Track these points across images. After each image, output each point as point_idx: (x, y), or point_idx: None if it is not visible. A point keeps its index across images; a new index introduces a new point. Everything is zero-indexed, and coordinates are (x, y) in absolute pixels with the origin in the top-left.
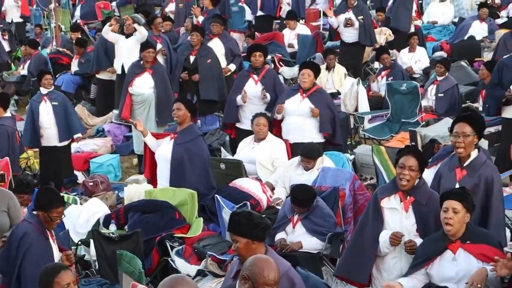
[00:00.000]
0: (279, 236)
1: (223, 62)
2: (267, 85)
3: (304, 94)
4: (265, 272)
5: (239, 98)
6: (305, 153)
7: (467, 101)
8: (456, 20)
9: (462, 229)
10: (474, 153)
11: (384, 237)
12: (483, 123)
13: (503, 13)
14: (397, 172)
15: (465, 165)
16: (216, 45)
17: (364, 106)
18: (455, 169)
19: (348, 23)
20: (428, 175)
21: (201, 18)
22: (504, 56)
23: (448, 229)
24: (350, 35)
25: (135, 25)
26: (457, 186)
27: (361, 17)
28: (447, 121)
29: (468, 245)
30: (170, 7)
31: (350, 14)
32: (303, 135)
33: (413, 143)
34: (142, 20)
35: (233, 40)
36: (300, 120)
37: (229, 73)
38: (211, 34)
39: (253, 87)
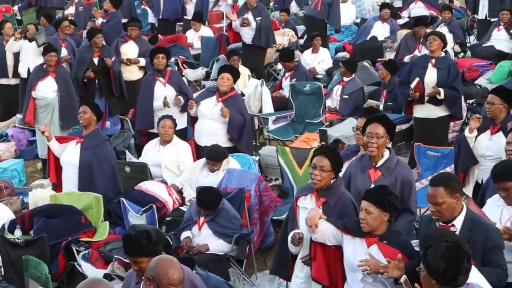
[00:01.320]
0: (185, 235)
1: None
2: (173, 86)
3: (219, 98)
4: (170, 272)
5: (158, 104)
6: (211, 155)
7: (369, 100)
8: (358, 20)
9: (380, 228)
10: (386, 154)
11: (290, 236)
12: (395, 125)
13: (404, 14)
14: (309, 172)
15: (378, 165)
16: (132, 48)
17: (268, 107)
18: (367, 170)
19: (244, 23)
20: None
21: (100, 20)
22: (406, 57)
23: (362, 227)
24: (249, 37)
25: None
26: (372, 186)
27: (259, 18)
28: (351, 121)
29: (383, 245)
30: (70, 10)
31: (249, 15)
32: (214, 139)
33: (323, 143)
34: (41, 41)
35: (146, 42)
36: (213, 124)
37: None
38: (126, 37)
39: (162, 90)
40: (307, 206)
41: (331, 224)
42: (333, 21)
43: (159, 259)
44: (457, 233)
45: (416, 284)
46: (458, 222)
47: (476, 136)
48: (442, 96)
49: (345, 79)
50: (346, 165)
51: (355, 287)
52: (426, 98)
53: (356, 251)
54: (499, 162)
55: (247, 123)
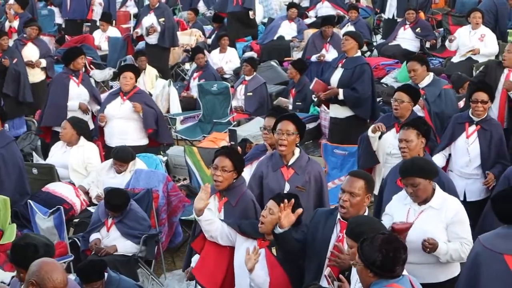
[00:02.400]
0: (94, 236)
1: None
2: (86, 87)
3: (125, 97)
4: (54, 275)
5: (72, 104)
6: (118, 155)
7: (279, 98)
8: (265, 20)
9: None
10: (296, 152)
11: None
12: (304, 123)
13: (311, 13)
14: (212, 173)
15: (290, 163)
16: (31, 50)
17: (175, 107)
18: (280, 168)
19: (150, 32)
20: (245, 174)
21: (16, 23)
22: (313, 57)
23: (259, 227)
24: (153, 37)
25: None
26: (286, 185)
27: (163, 19)
28: (258, 120)
29: (270, 254)
30: None
31: (151, 16)
32: (125, 138)
33: (232, 143)
34: None
35: (45, 43)
36: (122, 123)
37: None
38: (24, 39)
39: (77, 89)
40: (211, 207)
41: (225, 224)
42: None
43: (42, 262)
44: None
45: (340, 276)
46: None
47: (382, 134)
48: (341, 97)
49: (247, 78)
50: (255, 164)
51: None
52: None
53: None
54: (410, 158)
55: (159, 114)
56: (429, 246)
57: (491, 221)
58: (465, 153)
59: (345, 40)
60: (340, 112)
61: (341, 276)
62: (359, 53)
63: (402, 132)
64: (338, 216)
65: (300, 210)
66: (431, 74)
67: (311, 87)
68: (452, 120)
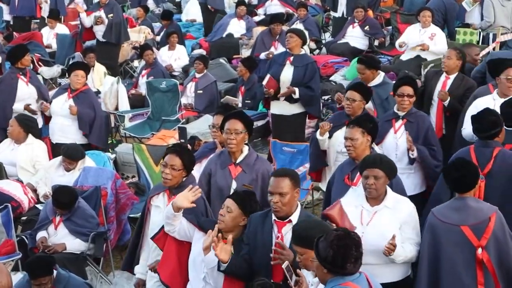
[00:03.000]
0: (40, 235)
1: None
2: (34, 85)
3: (70, 94)
4: None
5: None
6: (68, 154)
7: (226, 96)
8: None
9: (235, 231)
10: (245, 150)
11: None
12: (252, 121)
13: (260, 11)
14: (161, 171)
15: (238, 161)
16: None
17: (124, 104)
18: (228, 166)
19: (98, 21)
20: (195, 172)
21: None
22: (262, 54)
23: (219, 223)
24: (102, 34)
25: None
26: (234, 183)
27: (111, 15)
28: (207, 118)
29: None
30: None
31: (101, 13)
32: (66, 136)
33: (182, 140)
34: None
35: None
36: (63, 121)
37: None
38: None
39: (26, 89)
40: (160, 204)
41: (185, 220)
42: None
43: None
44: (292, 228)
45: (298, 271)
46: (294, 218)
47: (333, 133)
48: (297, 96)
49: (197, 75)
50: (204, 162)
51: (196, 286)
52: (282, 98)
53: (201, 251)
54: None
55: (97, 116)
56: (392, 249)
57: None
58: (393, 148)
59: (289, 38)
60: (287, 109)
61: (298, 270)
62: (303, 51)
63: (348, 131)
64: (273, 218)
65: (230, 238)
66: (382, 75)
67: (264, 83)
68: (380, 119)
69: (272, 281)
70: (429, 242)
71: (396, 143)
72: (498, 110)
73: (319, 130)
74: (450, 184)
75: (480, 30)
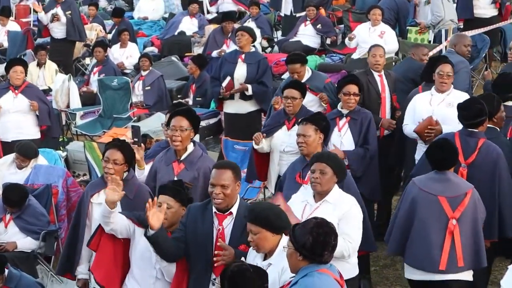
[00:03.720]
0: None
1: None
2: None
3: (16, 91)
4: None
5: None
6: (22, 151)
7: (178, 96)
8: (166, 15)
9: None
10: (190, 147)
11: None
12: (199, 118)
13: (212, 9)
14: (103, 166)
15: (182, 159)
16: None
17: (75, 102)
18: (172, 163)
19: (55, 18)
20: (147, 171)
21: None
22: (214, 52)
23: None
24: (58, 31)
25: None
26: (175, 180)
27: (69, 12)
28: (159, 116)
29: None
30: None
31: (58, 10)
32: (21, 132)
33: (135, 139)
34: None
35: None
36: (17, 117)
37: None
38: None
39: None
40: (102, 201)
41: (124, 216)
42: None
43: None
44: (233, 221)
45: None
46: (234, 210)
47: (273, 133)
48: (250, 92)
49: (143, 73)
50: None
51: (144, 283)
52: (237, 96)
53: (149, 246)
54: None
55: (50, 107)
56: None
57: None
58: (338, 145)
59: (240, 36)
60: (243, 107)
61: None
62: (253, 48)
63: (301, 127)
64: (214, 210)
65: (164, 206)
66: (308, 68)
67: (224, 85)
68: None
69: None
70: (408, 208)
71: (340, 141)
72: (436, 104)
73: (253, 142)
74: (433, 163)
75: (431, 26)
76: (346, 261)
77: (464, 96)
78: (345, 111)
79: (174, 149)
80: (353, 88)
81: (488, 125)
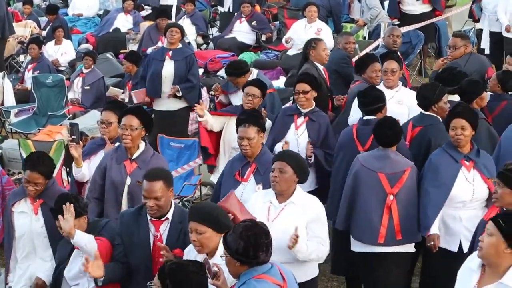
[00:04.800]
0: None
1: None
2: None
3: None
4: None
5: None
6: None
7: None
8: (101, 12)
9: None
10: (142, 146)
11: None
12: (150, 116)
13: (148, 6)
14: (24, 178)
15: (134, 157)
16: None
17: (10, 100)
18: (123, 161)
19: None
20: (84, 169)
21: None
22: (149, 49)
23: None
24: None
25: None
26: (128, 178)
27: None
28: (94, 113)
29: None
30: None
31: None
32: None
33: (74, 137)
34: None
35: None
36: None
37: None
38: None
39: None
40: (25, 210)
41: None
42: None
43: None
44: (169, 226)
45: (216, 264)
46: (170, 215)
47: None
48: (180, 94)
49: (85, 70)
50: (93, 158)
51: None
52: (168, 95)
53: None
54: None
55: None
56: (295, 239)
57: None
58: (294, 144)
59: (175, 33)
60: (173, 104)
61: (216, 263)
62: (180, 44)
63: (244, 130)
64: (149, 217)
65: (97, 253)
66: (255, 72)
67: (135, 101)
68: (280, 112)
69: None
70: (351, 183)
71: (297, 139)
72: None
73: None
74: (378, 139)
75: (369, 21)
76: (306, 263)
77: (412, 94)
78: (303, 110)
79: (125, 147)
80: (302, 87)
81: (428, 113)
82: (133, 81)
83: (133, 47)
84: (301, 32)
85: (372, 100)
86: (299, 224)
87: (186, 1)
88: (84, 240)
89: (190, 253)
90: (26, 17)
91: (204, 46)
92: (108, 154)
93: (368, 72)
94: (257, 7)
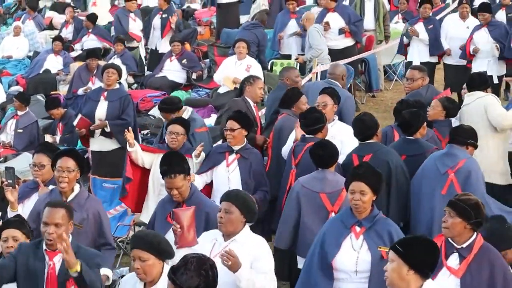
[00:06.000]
0: None
1: None
2: None
3: None
4: None
5: None
6: None
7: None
8: (31, 54)
9: None
10: (76, 188)
11: None
12: (84, 158)
13: (77, 46)
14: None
15: (69, 200)
16: None
17: None
18: None
19: None
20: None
21: None
22: (80, 90)
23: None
24: None
25: None
26: None
27: None
28: (26, 156)
29: None
30: None
31: None
32: None
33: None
34: None
35: None
36: None
37: None
38: None
39: None
40: None
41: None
42: None
43: None
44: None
45: None
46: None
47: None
48: (108, 129)
49: (19, 113)
50: (26, 202)
51: None
52: (97, 133)
53: None
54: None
55: None
56: (231, 259)
57: None
58: (225, 181)
59: (112, 74)
60: (106, 145)
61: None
62: (117, 85)
63: (170, 181)
64: (44, 248)
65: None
66: (190, 110)
67: (75, 124)
68: (212, 149)
69: None
70: (294, 205)
71: (228, 177)
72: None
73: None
74: (314, 161)
75: (309, 60)
76: None
77: (348, 129)
78: (235, 147)
79: (60, 191)
80: (231, 124)
81: (370, 141)
82: (63, 121)
83: (63, 88)
84: (231, 68)
85: (313, 121)
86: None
87: (116, 40)
88: None
89: (127, 282)
90: None
91: (135, 85)
92: (42, 198)
93: (298, 105)
94: (187, 45)
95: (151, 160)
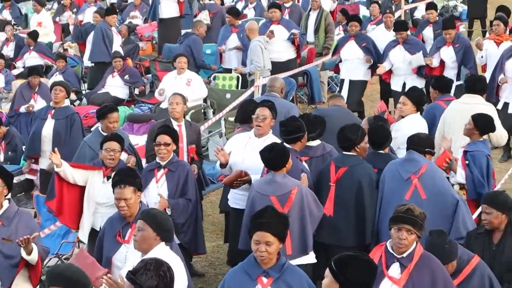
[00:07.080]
0: None
1: None
2: None
3: None
4: None
5: None
6: None
7: None
8: None
9: None
10: (5, 204)
11: None
12: (12, 175)
13: (19, 64)
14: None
15: None
16: None
17: None
18: None
19: None
20: None
21: None
22: (22, 107)
23: None
24: None
25: None
26: None
27: None
28: None
29: None
30: None
31: None
32: None
33: None
34: None
35: None
36: None
37: None
38: None
39: None
40: None
41: None
42: None
43: None
44: None
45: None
46: None
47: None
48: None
49: None
50: None
51: None
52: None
53: None
54: None
55: None
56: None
57: None
58: (155, 197)
59: (59, 91)
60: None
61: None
62: (66, 102)
63: (119, 192)
64: None
65: None
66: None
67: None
68: (144, 170)
69: None
70: (249, 210)
71: (157, 193)
72: (250, 149)
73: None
74: (264, 163)
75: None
76: None
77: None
78: (163, 162)
79: None
80: (164, 139)
81: (351, 153)
82: (5, 140)
83: (5, 106)
84: (171, 83)
85: (294, 130)
86: None
87: (58, 57)
88: None
89: None
90: None
91: (78, 102)
92: None
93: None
94: (129, 61)
95: (85, 177)
